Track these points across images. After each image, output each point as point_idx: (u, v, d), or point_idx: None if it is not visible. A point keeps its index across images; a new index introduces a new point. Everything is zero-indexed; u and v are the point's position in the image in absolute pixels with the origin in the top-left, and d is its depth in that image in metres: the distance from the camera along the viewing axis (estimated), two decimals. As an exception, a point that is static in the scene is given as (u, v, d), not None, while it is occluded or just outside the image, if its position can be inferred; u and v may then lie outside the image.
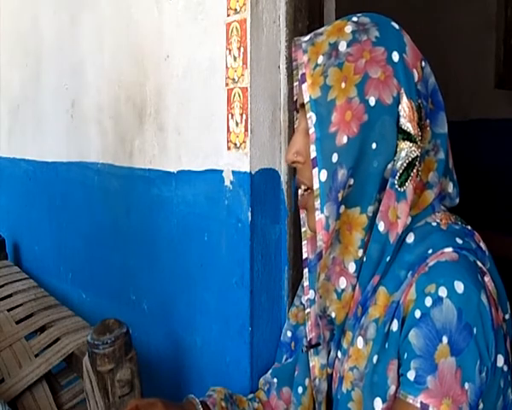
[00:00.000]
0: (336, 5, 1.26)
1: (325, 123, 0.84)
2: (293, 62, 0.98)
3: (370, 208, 0.85)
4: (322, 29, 0.90)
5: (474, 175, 2.69)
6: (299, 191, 0.98)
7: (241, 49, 1.13)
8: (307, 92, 0.85)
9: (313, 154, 0.84)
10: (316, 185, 0.84)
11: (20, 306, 1.66)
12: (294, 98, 1.01)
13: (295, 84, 0.99)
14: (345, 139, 0.82)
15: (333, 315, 0.90)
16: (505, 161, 2.77)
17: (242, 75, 1.14)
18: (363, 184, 0.84)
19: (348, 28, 0.86)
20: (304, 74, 0.86)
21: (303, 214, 1.01)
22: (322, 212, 0.84)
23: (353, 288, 0.88)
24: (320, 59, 0.85)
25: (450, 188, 0.92)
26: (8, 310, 1.63)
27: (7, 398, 1.26)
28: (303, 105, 0.88)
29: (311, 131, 0.85)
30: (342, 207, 0.85)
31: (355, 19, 0.88)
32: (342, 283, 0.88)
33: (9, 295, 1.73)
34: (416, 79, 0.85)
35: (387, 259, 0.85)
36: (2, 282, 1.81)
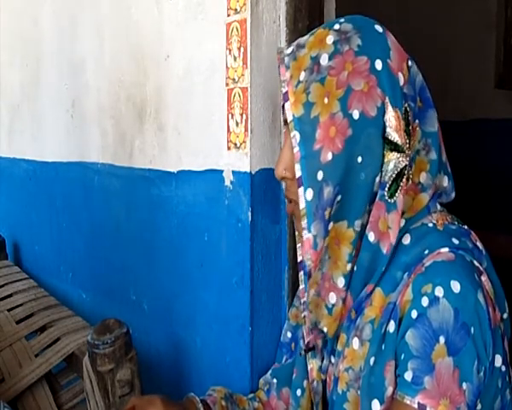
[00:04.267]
0: (336, 5, 1.26)
1: (309, 141, 0.82)
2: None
3: (357, 222, 0.84)
4: (304, 40, 0.88)
5: (474, 175, 2.69)
6: (286, 200, 0.98)
7: (241, 49, 1.14)
8: (290, 111, 0.84)
9: (298, 173, 0.83)
10: (302, 205, 0.83)
11: (20, 306, 1.66)
12: (281, 108, 1.00)
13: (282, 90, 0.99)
14: (329, 156, 0.81)
15: (325, 330, 0.90)
16: (505, 161, 2.77)
17: (242, 75, 1.14)
18: (350, 199, 0.83)
19: (330, 38, 0.84)
20: (287, 93, 0.85)
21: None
22: (309, 232, 0.83)
23: (343, 300, 0.88)
24: (302, 75, 0.84)
25: (446, 182, 0.91)
26: (9, 310, 1.62)
27: (7, 398, 1.26)
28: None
29: (296, 149, 0.83)
30: (330, 224, 0.84)
31: (337, 26, 0.86)
32: (332, 298, 0.88)
33: (9, 295, 1.73)
34: (402, 82, 0.83)
35: (382, 269, 0.84)
36: (3, 282, 1.80)
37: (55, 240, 1.91)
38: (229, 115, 1.17)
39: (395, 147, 0.82)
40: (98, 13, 1.63)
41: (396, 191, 0.82)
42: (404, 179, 0.83)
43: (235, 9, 1.14)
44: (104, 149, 1.63)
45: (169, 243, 1.38)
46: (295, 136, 0.84)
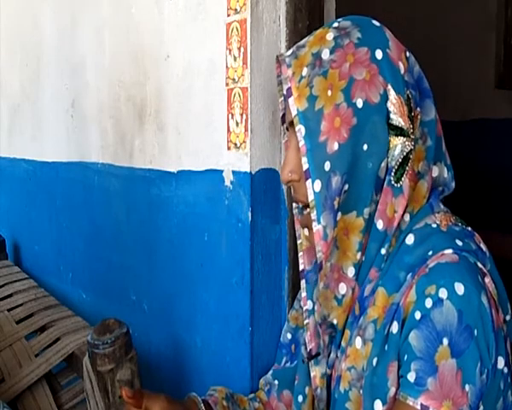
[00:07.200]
0: (336, 5, 1.26)
1: (315, 133, 0.84)
2: (277, 78, 0.97)
3: (366, 210, 0.85)
4: (304, 41, 0.90)
5: (473, 175, 2.69)
6: (293, 205, 0.99)
7: (242, 49, 1.14)
8: (294, 106, 0.85)
9: (305, 166, 0.84)
10: (311, 197, 0.84)
11: (20, 306, 1.65)
12: (280, 114, 1.00)
13: (280, 99, 0.98)
14: (336, 146, 0.82)
15: (334, 322, 0.90)
16: (505, 161, 2.77)
17: (242, 75, 1.14)
18: (358, 187, 0.84)
19: (330, 35, 0.86)
20: (290, 88, 0.86)
21: (298, 226, 1.00)
22: (319, 223, 0.84)
23: (353, 290, 0.88)
24: (304, 71, 0.86)
25: (445, 173, 0.92)
26: (9, 310, 1.62)
27: (7, 398, 1.26)
28: (292, 123, 0.87)
29: (301, 143, 0.84)
30: (339, 215, 0.84)
31: (336, 25, 0.88)
32: (342, 288, 0.88)
33: (9, 295, 1.72)
34: (403, 71, 0.85)
35: (383, 251, 0.85)
36: (2, 282, 1.80)
37: (55, 240, 1.91)
38: (229, 115, 1.17)
39: (400, 132, 0.84)
40: (98, 13, 1.63)
41: (402, 176, 0.84)
42: (409, 163, 0.84)
43: (235, 9, 1.14)
44: (104, 149, 1.63)
45: (169, 242, 1.37)
46: (300, 130, 0.85)
